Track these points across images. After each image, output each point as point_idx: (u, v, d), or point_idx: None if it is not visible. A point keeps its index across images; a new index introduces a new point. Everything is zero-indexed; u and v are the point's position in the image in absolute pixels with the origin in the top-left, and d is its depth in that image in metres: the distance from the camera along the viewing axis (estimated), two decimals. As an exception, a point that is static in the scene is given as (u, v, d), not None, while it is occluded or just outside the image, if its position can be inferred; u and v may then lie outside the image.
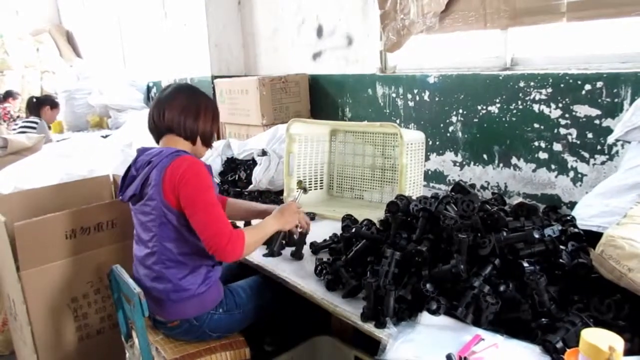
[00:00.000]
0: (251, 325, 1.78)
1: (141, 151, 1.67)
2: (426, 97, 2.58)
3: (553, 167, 2.10)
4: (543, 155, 2.12)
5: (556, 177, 2.09)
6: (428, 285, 1.29)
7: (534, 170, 2.17)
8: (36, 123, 4.12)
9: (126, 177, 1.66)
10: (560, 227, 1.42)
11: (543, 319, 1.16)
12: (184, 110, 1.65)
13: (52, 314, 1.98)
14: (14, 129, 4.15)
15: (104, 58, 5.99)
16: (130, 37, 5.32)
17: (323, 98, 3.28)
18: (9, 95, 5.12)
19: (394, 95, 2.76)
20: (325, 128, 2.49)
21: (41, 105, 4.40)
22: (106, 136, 3.71)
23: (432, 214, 1.49)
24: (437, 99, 2.52)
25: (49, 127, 4.54)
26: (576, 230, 1.45)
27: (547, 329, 1.13)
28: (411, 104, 2.67)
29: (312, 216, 2.20)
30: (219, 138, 3.63)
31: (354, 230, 1.63)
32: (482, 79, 2.28)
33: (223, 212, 1.54)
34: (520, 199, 2.23)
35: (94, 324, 2.10)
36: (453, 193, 1.67)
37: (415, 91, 2.63)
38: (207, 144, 1.74)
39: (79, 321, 2.06)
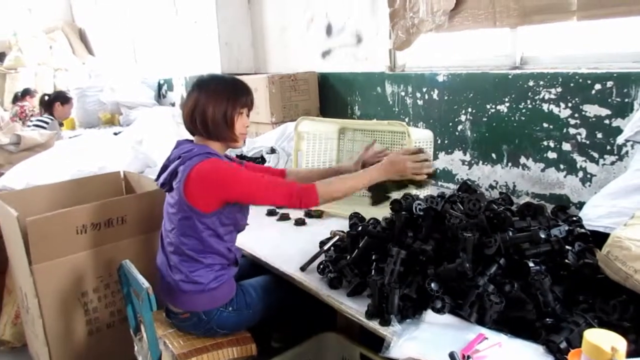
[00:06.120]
0: (258, 323, 1.80)
1: (178, 143, 1.70)
2: (435, 96, 2.57)
3: (562, 167, 2.08)
4: (552, 155, 2.10)
5: (565, 177, 2.08)
6: (433, 285, 1.29)
7: (542, 170, 2.16)
8: (47, 123, 4.17)
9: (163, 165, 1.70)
10: (567, 228, 1.41)
11: (547, 319, 1.16)
12: (192, 113, 1.62)
13: (63, 307, 2.02)
14: (28, 126, 4.21)
15: (115, 55, 6.04)
16: (142, 34, 5.37)
17: (332, 96, 3.29)
18: (26, 93, 5.19)
19: (402, 93, 2.76)
20: (333, 126, 2.50)
21: (52, 102, 4.46)
22: (117, 133, 3.75)
23: (438, 213, 1.49)
24: (446, 97, 2.52)
25: (61, 124, 4.60)
26: (583, 230, 1.44)
27: (551, 329, 1.13)
28: (420, 102, 2.66)
29: (319, 214, 2.21)
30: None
31: (360, 228, 1.64)
32: (491, 78, 2.27)
33: (267, 178, 1.60)
34: (528, 199, 2.22)
35: (103, 318, 2.13)
36: (460, 192, 1.67)
37: (424, 90, 2.62)
38: (231, 139, 1.66)
39: (89, 315, 2.09)
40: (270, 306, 1.77)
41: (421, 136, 2.10)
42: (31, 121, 4.32)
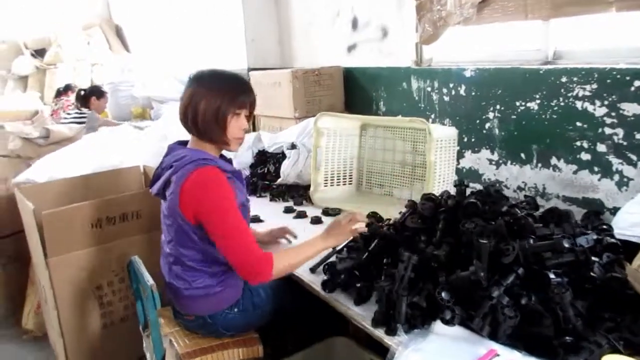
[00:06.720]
0: (270, 324, 1.75)
1: (171, 149, 1.61)
2: (462, 92, 2.45)
3: (596, 169, 1.94)
4: (585, 156, 1.96)
5: (599, 180, 1.94)
6: (443, 294, 1.21)
7: (575, 172, 2.02)
8: (84, 116, 4.29)
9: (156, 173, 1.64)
10: (594, 237, 1.30)
11: (567, 337, 1.06)
12: (186, 109, 1.52)
13: (78, 300, 2.04)
14: (65, 118, 4.35)
15: (149, 51, 6.14)
16: (174, 30, 5.42)
17: (357, 91, 3.21)
18: (68, 88, 5.37)
19: (429, 89, 2.66)
20: (354, 122, 2.43)
21: (88, 96, 4.59)
22: (136, 126, 3.79)
23: (453, 216, 1.40)
24: (473, 93, 2.40)
25: (97, 116, 4.71)
26: (613, 240, 1.32)
27: (570, 349, 1.03)
28: (446, 98, 2.55)
29: (338, 212, 2.16)
30: (254, 129, 3.61)
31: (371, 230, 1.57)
32: (521, 73, 2.14)
33: (248, 233, 1.47)
34: (559, 202, 2.09)
35: (117, 312, 2.15)
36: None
37: (451, 85, 2.51)
38: (222, 141, 1.56)
39: (104, 308, 2.11)
40: (280, 307, 1.72)
41: (443, 134, 2.00)
42: (69, 114, 4.45)
